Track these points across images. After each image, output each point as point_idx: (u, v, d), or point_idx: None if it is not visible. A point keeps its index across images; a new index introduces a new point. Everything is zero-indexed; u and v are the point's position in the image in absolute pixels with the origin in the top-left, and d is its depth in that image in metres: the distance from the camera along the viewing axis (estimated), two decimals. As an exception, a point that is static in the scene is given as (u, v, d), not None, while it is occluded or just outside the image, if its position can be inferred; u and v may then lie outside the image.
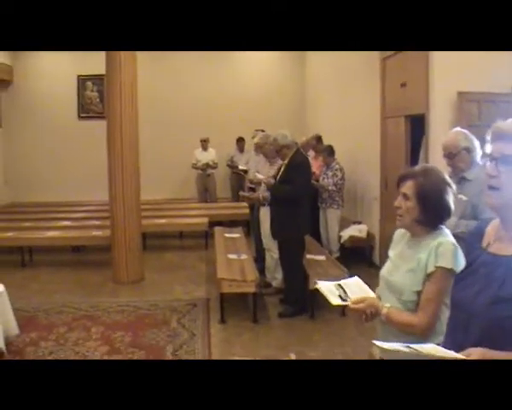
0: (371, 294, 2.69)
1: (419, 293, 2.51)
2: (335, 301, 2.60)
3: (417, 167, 2.65)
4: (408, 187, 2.56)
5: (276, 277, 7.10)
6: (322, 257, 7.02)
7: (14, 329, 5.42)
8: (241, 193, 8.03)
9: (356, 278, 2.83)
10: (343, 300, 2.61)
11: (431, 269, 2.48)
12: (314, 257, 6.95)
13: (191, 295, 7.26)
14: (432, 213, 2.55)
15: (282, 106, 13.18)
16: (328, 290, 2.68)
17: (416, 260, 2.54)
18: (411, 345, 1.96)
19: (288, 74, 13.54)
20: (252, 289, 6.08)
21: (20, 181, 13.39)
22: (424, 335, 2.47)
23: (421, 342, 2.12)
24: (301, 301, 6.35)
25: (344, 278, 2.89)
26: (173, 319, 6.34)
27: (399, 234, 2.82)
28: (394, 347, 2.03)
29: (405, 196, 2.56)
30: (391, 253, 2.79)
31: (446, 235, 2.57)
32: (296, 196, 6.07)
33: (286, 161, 6.27)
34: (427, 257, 2.50)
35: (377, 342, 2.12)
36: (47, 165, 13.33)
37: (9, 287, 7.64)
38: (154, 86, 12.81)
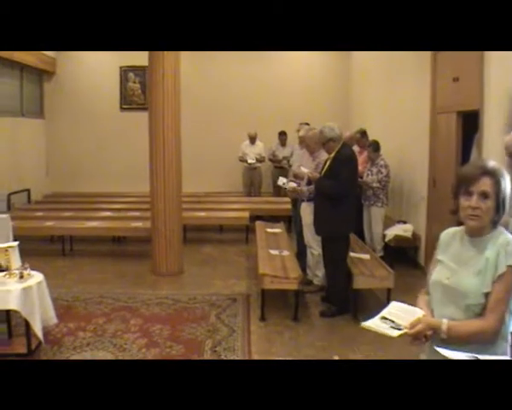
0: (418, 312, 2.46)
1: (487, 295, 2.32)
2: (395, 332, 2.37)
3: (489, 164, 2.40)
4: (487, 185, 2.33)
5: (317, 274, 6.92)
6: (366, 256, 6.80)
7: (52, 318, 5.36)
8: (283, 182, 7.67)
9: (393, 304, 2.58)
10: (399, 329, 2.39)
11: (502, 269, 2.30)
12: (358, 255, 6.74)
13: (231, 290, 7.13)
14: (503, 212, 2.36)
15: (326, 101, 12.93)
16: (378, 326, 2.44)
17: (483, 261, 2.35)
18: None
19: (332, 69, 13.28)
20: (294, 286, 5.91)
21: (63, 172, 13.48)
22: (493, 339, 2.31)
23: (488, 348, 2.15)
24: (344, 300, 6.14)
25: (385, 306, 2.61)
26: (212, 313, 6.22)
27: (448, 235, 2.61)
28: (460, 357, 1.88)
29: (484, 195, 2.33)
30: (441, 256, 2.57)
31: (506, 232, 2.40)
32: (341, 192, 5.86)
33: (332, 155, 6.06)
34: (496, 256, 2.32)
35: (442, 350, 1.96)
36: (89, 156, 13.38)
37: (49, 276, 7.66)
38: (198, 78, 12.82)
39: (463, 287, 2.37)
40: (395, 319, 2.43)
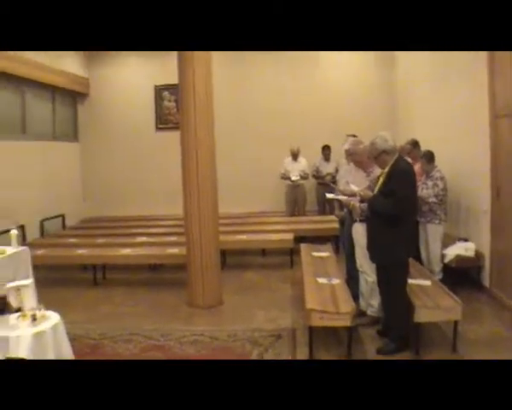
0: None
1: None
2: None
3: None
4: None
5: (372, 304, 6.12)
6: (427, 282, 5.96)
7: (70, 365, 4.73)
8: (331, 196, 6.90)
9: None
10: None
11: None
12: (418, 282, 5.91)
13: (275, 324, 6.37)
14: None
15: (371, 112, 12.14)
16: None
17: None
18: None
19: (376, 80, 12.47)
20: (347, 322, 5.12)
21: (98, 195, 13.16)
22: None
23: None
24: (404, 335, 5.34)
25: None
26: (254, 353, 5.49)
27: None
28: None
29: None
30: None
31: None
32: (399, 212, 5.06)
33: (386, 170, 5.27)
34: None
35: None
36: (125, 178, 13.02)
37: (79, 308, 7.27)
38: (234, 92, 12.32)
39: None
40: None
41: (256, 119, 12.52)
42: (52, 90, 11.98)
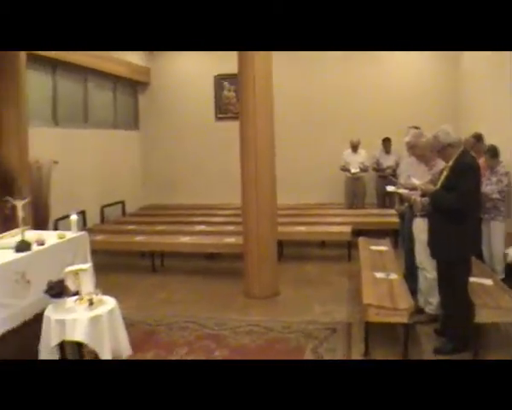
0: None
1: None
2: None
3: None
4: None
5: (431, 301, 5.93)
6: (488, 281, 5.72)
7: (125, 350, 4.77)
8: (392, 189, 6.71)
9: None
10: None
11: None
12: (479, 280, 5.69)
13: (331, 317, 6.28)
14: None
15: (432, 104, 11.78)
16: None
17: None
18: None
19: (438, 71, 12.06)
20: (404, 319, 4.97)
21: (158, 183, 13.29)
22: None
23: None
24: (463, 335, 5.17)
25: None
26: (308, 346, 5.41)
27: None
28: None
29: None
30: None
31: None
32: (462, 207, 4.89)
33: (450, 164, 5.08)
34: None
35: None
36: (184, 167, 13.09)
37: (136, 295, 7.36)
38: (295, 82, 12.16)
39: None
40: None
41: (316, 111, 12.35)
42: (114, 79, 12.14)
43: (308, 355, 5.20)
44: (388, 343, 5.35)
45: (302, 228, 9.46)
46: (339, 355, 5.19)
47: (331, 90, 12.29)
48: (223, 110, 12.99)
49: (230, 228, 9.53)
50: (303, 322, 6.12)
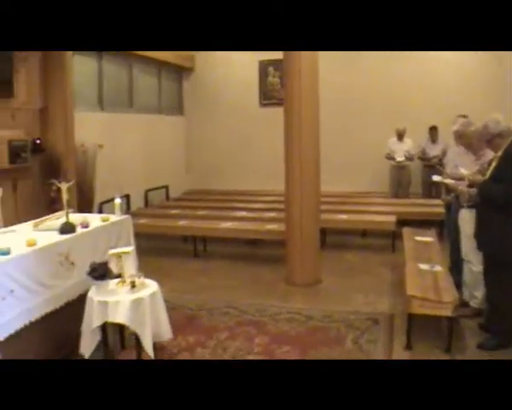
0: None
1: None
2: None
3: None
4: None
5: (476, 295, 5.79)
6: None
7: (166, 333, 4.80)
8: (438, 178, 6.54)
9: None
10: None
11: None
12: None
13: (372, 308, 6.20)
14: None
15: (479, 93, 11.42)
16: None
17: None
18: None
19: (487, 58, 11.77)
20: (448, 312, 4.86)
21: (201, 168, 13.34)
22: None
23: None
24: (508, 331, 5.03)
25: None
26: (349, 337, 5.34)
27: None
28: None
29: None
30: None
31: None
32: (511, 199, 4.75)
33: (499, 154, 4.93)
34: None
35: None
36: (227, 152, 13.09)
37: (179, 279, 7.42)
38: (339, 73, 11.99)
39: None
40: None
41: (361, 98, 12.15)
42: (158, 64, 12.19)
43: (348, 346, 5.14)
44: (431, 337, 5.24)
45: (345, 216, 9.36)
46: (380, 347, 5.11)
47: (376, 77, 12.08)
48: (267, 96, 12.92)
49: (272, 214, 9.49)
50: (344, 311, 6.05)
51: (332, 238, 9.27)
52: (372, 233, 9.89)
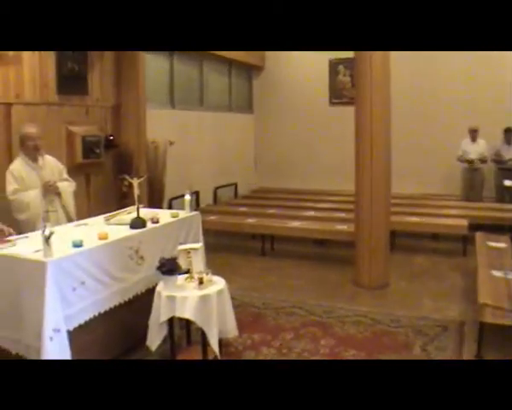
0: None
1: None
2: None
3: None
4: None
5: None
6: None
7: (232, 330, 4.83)
8: (510, 183, 6.30)
9: None
10: None
11: None
12: None
13: (442, 314, 6.02)
14: None
15: None
16: None
17: None
18: None
19: None
20: (523, 322, 4.71)
21: (270, 167, 13.35)
22: None
23: None
24: None
25: None
26: (417, 343, 5.21)
27: None
28: None
29: None
30: None
31: None
32: None
33: None
34: None
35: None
36: (297, 151, 13.06)
37: (246, 277, 7.45)
38: (409, 73, 11.70)
39: None
40: None
41: (432, 99, 11.84)
42: (229, 63, 12.26)
43: (417, 352, 5.02)
44: (503, 346, 5.05)
45: (415, 219, 9.16)
46: (449, 355, 4.96)
47: (447, 77, 11.74)
48: (337, 95, 12.79)
49: (341, 215, 9.38)
50: (413, 317, 5.91)
51: (401, 241, 9.08)
52: (443, 237, 9.63)
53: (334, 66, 12.74)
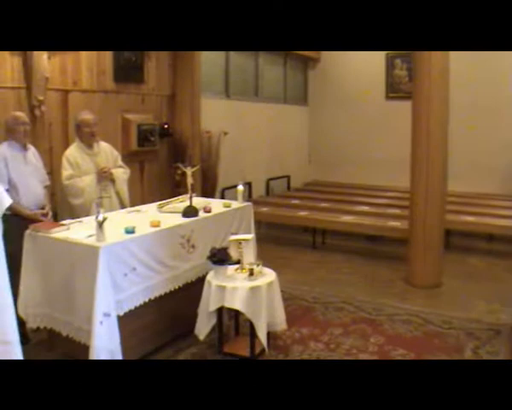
0: None
1: None
2: None
3: None
4: None
5: None
6: None
7: (281, 323, 4.81)
8: None
9: None
10: None
11: None
12: None
13: (495, 318, 5.85)
14: None
15: None
16: None
17: None
18: None
19: None
20: None
21: (324, 160, 13.21)
22: None
23: None
24: None
25: None
26: (468, 346, 5.08)
27: None
28: None
29: None
30: None
31: None
32: None
33: None
34: None
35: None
36: (351, 145, 12.86)
37: (296, 270, 7.44)
38: (468, 67, 11.30)
39: None
40: None
41: (492, 95, 11.46)
42: (284, 54, 12.18)
43: (468, 355, 4.90)
44: (560, 353, 4.91)
45: (471, 218, 8.93)
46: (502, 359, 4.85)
47: (508, 72, 11.40)
48: (394, 89, 12.53)
49: (394, 211, 9.21)
50: (465, 319, 5.76)
51: (456, 240, 8.88)
52: (499, 238, 9.38)
53: (390, 59, 12.49)
